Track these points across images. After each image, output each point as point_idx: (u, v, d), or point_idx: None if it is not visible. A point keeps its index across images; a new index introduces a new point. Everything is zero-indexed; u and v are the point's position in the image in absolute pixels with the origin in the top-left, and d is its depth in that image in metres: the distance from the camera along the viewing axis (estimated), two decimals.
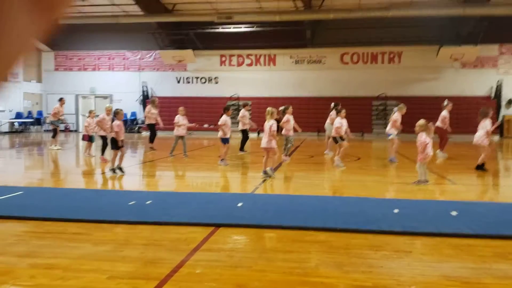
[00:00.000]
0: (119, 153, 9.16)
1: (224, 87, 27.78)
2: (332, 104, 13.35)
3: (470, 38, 23.82)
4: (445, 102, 13.22)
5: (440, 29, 24.61)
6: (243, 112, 14.17)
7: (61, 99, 15.47)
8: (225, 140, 10.75)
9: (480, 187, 8.28)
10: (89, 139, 12.75)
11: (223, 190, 7.75)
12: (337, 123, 10.54)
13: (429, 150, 7.82)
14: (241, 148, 14.06)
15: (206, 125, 25.35)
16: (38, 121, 27.64)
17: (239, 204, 6.00)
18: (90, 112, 13.13)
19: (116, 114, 9.24)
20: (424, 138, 7.84)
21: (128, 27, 26.86)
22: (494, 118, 9.94)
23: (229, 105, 11.40)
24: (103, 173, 9.66)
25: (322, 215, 5.47)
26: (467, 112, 23.40)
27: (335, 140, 10.74)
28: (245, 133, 14.13)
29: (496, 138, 22.66)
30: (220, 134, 10.81)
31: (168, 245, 4.36)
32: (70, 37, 28.86)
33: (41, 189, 7.56)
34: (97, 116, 12.12)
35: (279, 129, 10.64)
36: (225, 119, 10.80)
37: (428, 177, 8.03)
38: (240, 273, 3.68)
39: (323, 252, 4.20)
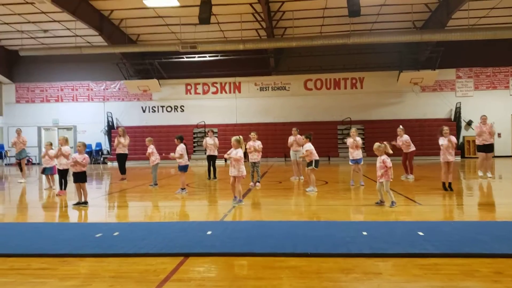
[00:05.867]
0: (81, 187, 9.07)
1: (190, 115, 27.84)
2: (295, 129, 13.46)
3: (428, 63, 24.76)
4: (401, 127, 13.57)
5: (399, 55, 25.47)
6: (207, 139, 14.28)
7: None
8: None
9: (444, 207, 8.47)
10: (43, 171, 12.46)
11: (192, 219, 7.68)
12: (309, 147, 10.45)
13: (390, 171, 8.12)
14: (214, 176, 14.14)
15: (172, 154, 25.13)
16: None
17: (209, 232, 5.95)
18: (48, 144, 12.77)
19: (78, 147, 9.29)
20: (384, 159, 8.11)
21: (92, 58, 26.71)
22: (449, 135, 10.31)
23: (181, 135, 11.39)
24: (66, 206, 9.43)
25: (292, 240, 5.47)
26: (429, 134, 24.10)
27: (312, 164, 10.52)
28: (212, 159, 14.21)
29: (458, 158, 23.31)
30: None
31: (137, 277, 4.27)
32: (33, 69, 28.48)
33: (3, 225, 7.31)
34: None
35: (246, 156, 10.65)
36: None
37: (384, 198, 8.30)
38: None
39: (295, 277, 4.20)
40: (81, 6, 19.50)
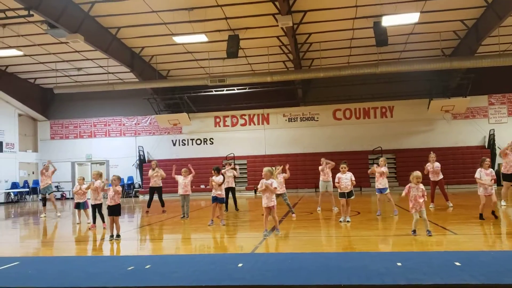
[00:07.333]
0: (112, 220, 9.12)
1: (219, 147, 28.07)
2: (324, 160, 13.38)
3: (459, 90, 24.36)
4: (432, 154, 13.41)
5: (429, 83, 25.21)
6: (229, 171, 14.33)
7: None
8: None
9: (482, 236, 8.19)
10: (77, 206, 12.57)
11: (223, 251, 7.63)
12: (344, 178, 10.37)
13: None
14: (236, 207, 14.26)
15: (202, 186, 25.27)
16: (34, 190, 27.45)
17: (240, 265, 5.90)
18: (80, 178, 12.98)
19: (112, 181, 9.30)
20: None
21: (123, 94, 27.39)
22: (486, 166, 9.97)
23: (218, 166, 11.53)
24: (96, 240, 9.53)
25: (325, 272, 5.37)
26: (463, 162, 23.57)
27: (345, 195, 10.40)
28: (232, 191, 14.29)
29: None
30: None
31: None
32: (66, 106, 29.38)
33: (38, 259, 7.43)
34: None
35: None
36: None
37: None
38: None
39: None
40: (113, 44, 20.13)
